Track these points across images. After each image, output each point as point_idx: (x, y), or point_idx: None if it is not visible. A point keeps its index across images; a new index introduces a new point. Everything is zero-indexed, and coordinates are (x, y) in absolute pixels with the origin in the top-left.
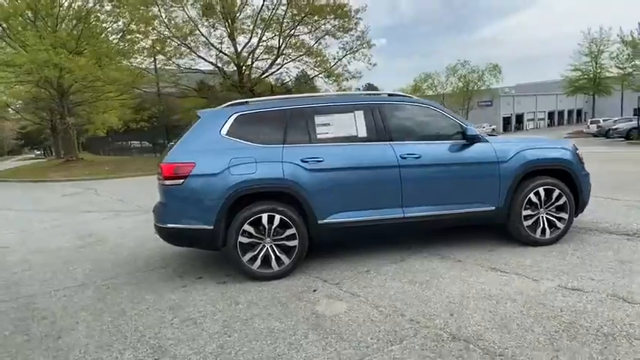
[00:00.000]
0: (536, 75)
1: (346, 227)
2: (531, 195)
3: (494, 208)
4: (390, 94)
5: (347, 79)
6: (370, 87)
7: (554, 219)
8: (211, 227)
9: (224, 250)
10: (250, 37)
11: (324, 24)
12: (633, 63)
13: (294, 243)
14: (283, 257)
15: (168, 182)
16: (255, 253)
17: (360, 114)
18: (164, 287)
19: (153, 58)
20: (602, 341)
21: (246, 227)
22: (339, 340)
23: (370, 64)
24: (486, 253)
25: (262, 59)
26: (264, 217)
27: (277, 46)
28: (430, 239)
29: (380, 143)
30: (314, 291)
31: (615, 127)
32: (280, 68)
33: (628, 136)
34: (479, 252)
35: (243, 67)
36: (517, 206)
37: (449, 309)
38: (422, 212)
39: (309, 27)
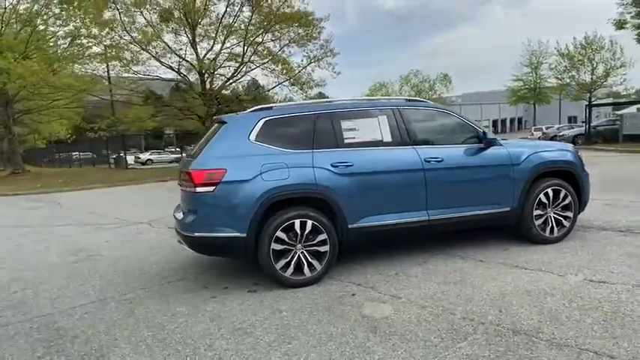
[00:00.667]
0: (482, 84)
1: (375, 231)
2: (541, 195)
3: (509, 209)
4: (407, 99)
5: (311, 87)
6: (321, 96)
7: (561, 218)
8: (244, 235)
9: (250, 258)
10: (213, 44)
11: (289, 32)
12: (570, 74)
13: (326, 248)
14: (315, 263)
15: (199, 189)
16: (288, 259)
17: (384, 119)
18: (193, 299)
19: (106, 65)
20: None
21: (279, 234)
22: (405, 341)
23: (335, 72)
24: (502, 252)
25: (226, 66)
26: (297, 223)
27: (242, 53)
28: (443, 241)
29: (405, 147)
30: (352, 295)
31: (561, 134)
32: (244, 76)
33: (574, 142)
34: (495, 252)
35: (206, 75)
36: (529, 206)
37: (495, 305)
38: (445, 214)
39: (274, 34)
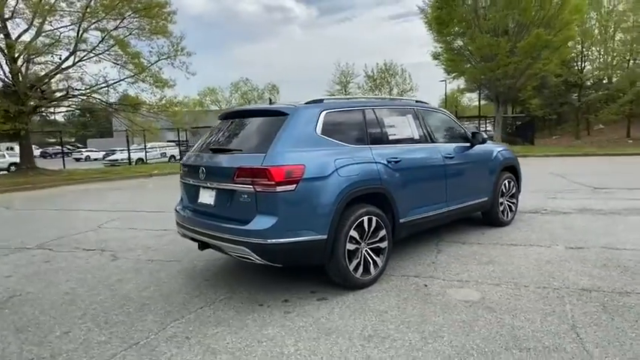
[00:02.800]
0: (302, 97)
1: (416, 224)
2: (502, 186)
3: (487, 198)
4: (417, 101)
5: (163, 87)
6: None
7: (511, 204)
8: (325, 237)
9: (324, 262)
10: (30, 26)
11: (134, 21)
12: (375, 93)
13: (385, 244)
14: (378, 260)
15: (280, 188)
16: (359, 259)
17: (410, 117)
18: (272, 321)
19: None
20: None
21: (352, 233)
22: (523, 313)
23: (189, 72)
24: (485, 236)
25: (49, 52)
26: (365, 220)
27: (76, 38)
28: (430, 232)
29: (429, 145)
30: (425, 286)
31: None
32: (73, 66)
33: None
34: (480, 236)
35: (21, 61)
36: (497, 196)
37: (543, 274)
38: (457, 205)
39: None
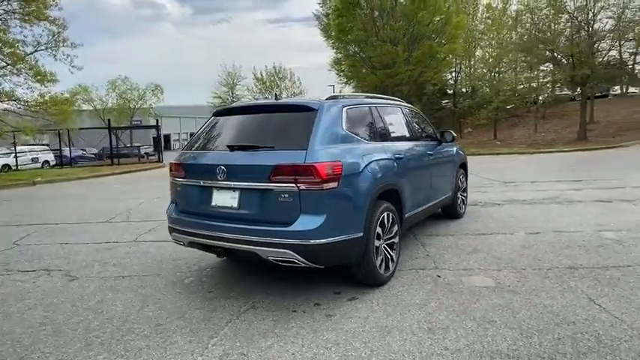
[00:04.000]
0: (185, 98)
1: (412, 219)
2: (459, 182)
3: (450, 193)
4: (386, 99)
5: (41, 81)
6: None
7: (463, 198)
8: (362, 234)
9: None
10: None
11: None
12: (265, 96)
13: (397, 240)
14: (393, 255)
15: (326, 186)
16: (382, 256)
17: (400, 114)
18: (318, 324)
19: None
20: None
21: (378, 229)
22: (562, 292)
23: (74, 66)
24: (450, 228)
25: None
26: (385, 216)
27: None
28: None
29: (417, 142)
30: (439, 277)
31: None
32: None
33: None
34: (445, 228)
35: None
36: (456, 191)
37: (547, 256)
38: (436, 200)
39: None
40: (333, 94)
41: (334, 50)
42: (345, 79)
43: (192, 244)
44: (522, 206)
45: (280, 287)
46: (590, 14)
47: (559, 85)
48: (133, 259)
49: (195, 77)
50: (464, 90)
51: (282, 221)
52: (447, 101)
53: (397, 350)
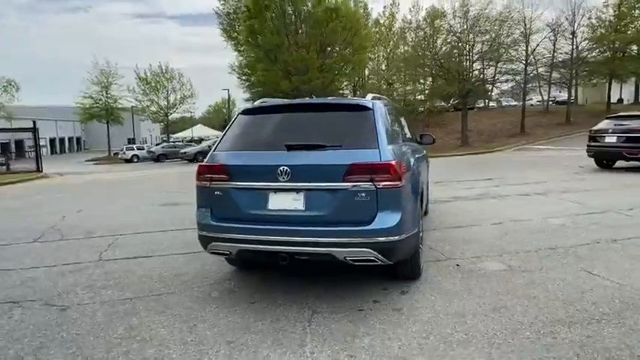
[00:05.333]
0: (38, 99)
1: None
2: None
3: (425, 188)
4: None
5: None
6: None
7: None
8: (417, 229)
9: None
10: None
11: None
12: (149, 97)
13: (422, 234)
14: (422, 248)
15: (400, 184)
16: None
17: (403, 118)
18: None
19: None
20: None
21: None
22: (569, 267)
23: None
24: (433, 222)
25: None
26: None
27: None
28: None
29: (416, 143)
30: (457, 265)
31: (184, 151)
32: None
33: (195, 158)
34: (427, 223)
35: None
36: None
37: (538, 239)
38: (427, 197)
39: None
40: (375, 94)
41: (237, 52)
42: (247, 83)
43: (242, 253)
44: (468, 202)
45: (314, 291)
46: (471, 36)
47: (442, 97)
48: (120, 279)
49: (58, 74)
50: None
51: (359, 220)
52: None
53: (485, 330)
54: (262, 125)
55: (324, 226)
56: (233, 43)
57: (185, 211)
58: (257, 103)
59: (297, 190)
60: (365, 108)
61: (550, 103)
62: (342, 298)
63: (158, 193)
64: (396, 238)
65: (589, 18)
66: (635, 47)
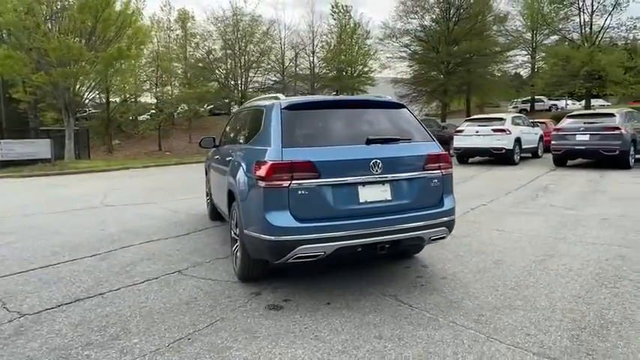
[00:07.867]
0: None
1: None
2: None
3: None
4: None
5: None
6: None
7: None
8: None
9: None
10: None
11: None
12: None
13: None
14: None
15: (452, 169)
16: None
17: None
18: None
19: None
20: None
21: None
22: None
23: None
24: None
25: None
26: None
27: None
28: None
29: None
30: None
31: None
32: None
33: None
34: None
35: None
36: None
37: (536, 228)
38: None
39: None
40: (380, 95)
41: None
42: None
43: (340, 250)
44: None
45: (350, 284)
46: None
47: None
48: (117, 297)
49: None
50: (116, 100)
51: (432, 204)
52: (98, 111)
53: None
54: (316, 121)
55: (411, 212)
56: None
57: None
58: (286, 99)
59: (384, 182)
60: (400, 106)
61: None
62: (375, 289)
63: None
64: (454, 216)
65: (321, 41)
66: (359, 67)
